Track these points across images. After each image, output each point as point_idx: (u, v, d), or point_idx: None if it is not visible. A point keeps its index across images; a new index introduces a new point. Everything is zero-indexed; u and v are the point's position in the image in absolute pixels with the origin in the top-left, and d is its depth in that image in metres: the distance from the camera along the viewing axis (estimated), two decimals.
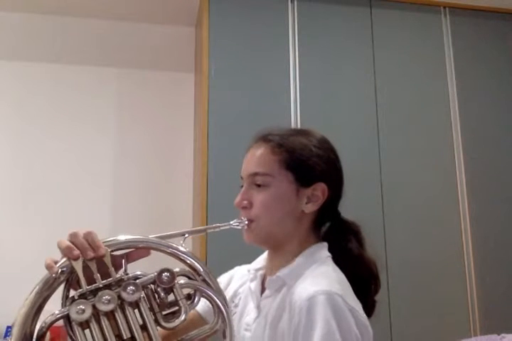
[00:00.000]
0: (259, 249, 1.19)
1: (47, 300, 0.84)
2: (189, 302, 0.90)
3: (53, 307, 0.85)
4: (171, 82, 3.29)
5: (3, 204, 2.92)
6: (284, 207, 1.10)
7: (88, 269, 0.85)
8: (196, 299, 0.91)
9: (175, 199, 3.13)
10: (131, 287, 0.84)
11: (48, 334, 0.84)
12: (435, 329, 2.57)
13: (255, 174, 1.11)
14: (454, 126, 2.84)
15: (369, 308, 1.10)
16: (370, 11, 2.90)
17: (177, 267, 0.92)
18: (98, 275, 0.85)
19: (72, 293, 0.85)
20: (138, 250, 0.94)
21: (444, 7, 3.00)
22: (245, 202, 1.11)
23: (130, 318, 0.84)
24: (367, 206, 2.63)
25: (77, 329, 0.81)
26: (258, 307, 1.11)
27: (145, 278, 0.88)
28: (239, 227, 1.09)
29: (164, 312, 0.88)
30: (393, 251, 2.59)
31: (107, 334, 0.82)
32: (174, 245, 0.94)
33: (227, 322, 0.92)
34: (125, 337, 0.83)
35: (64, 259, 0.86)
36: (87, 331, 0.82)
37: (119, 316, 0.83)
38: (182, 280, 0.91)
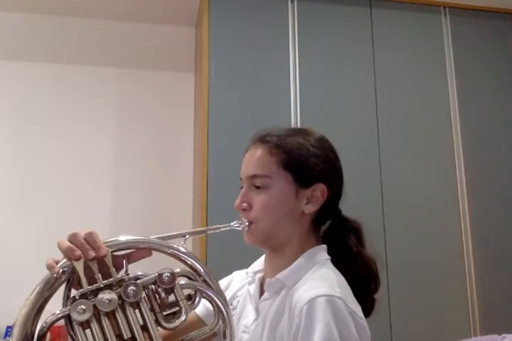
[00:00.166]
0: (259, 250, 1.18)
1: (48, 300, 0.84)
2: (190, 302, 0.90)
3: (54, 307, 0.86)
4: (171, 82, 3.29)
5: (3, 204, 2.92)
6: (284, 208, 1.09)
7: (89, 269, 0.85)
8: (197, 299, 0.91)
9: (175, 199, 3.13)
10: (132, 287, 0.84)
11: (48, 334, 0.84)
12: (435, 329, 2.57)
13: (254, 176, 1.11)
14: (454, 126, 2.84)
15: (369, 307, 1.10)
16: (370, 11, 2.90)
17: (177, 268, 0.92)
18: (99, 275, 0.85)
19: (73, 293, 0.85)
20: (139, 250, 0.94)
21: (444, 7, 3.00)
22: (245, 204, 1.11)
23: (131, 318, 0.84)
24: (367, 206, 2.63)
25: (77, 329, 0.81)
26: (257, 310, 1.11)
27: (146, 278, 0.88)
28: (239, 228, 1.09)
29: (165, 313, 0.88)
30: (393, 251, 2.58)
31: (107, 334, 0.82)
32: (175, 246, 0.94)
33: (228, 322, 0.92)
34: (126, 337, 0.83)
35: (65, 259, 0.86)
36: (87, 331, 0.82)
37: (119, 316, 0.83)
38: (182, 280, 0.91)
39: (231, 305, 1.20)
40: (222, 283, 1.30)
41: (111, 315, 0.83)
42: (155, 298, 0.88)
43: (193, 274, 0.93)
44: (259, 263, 1.23)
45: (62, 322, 0.84)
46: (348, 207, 1.19)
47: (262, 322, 1.07)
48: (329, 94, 2.75)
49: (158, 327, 0.86)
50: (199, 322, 1.21)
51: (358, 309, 0.99)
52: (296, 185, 1.10)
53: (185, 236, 1.00)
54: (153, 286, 0.88)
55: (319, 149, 1.12)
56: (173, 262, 0.96)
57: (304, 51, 2.76)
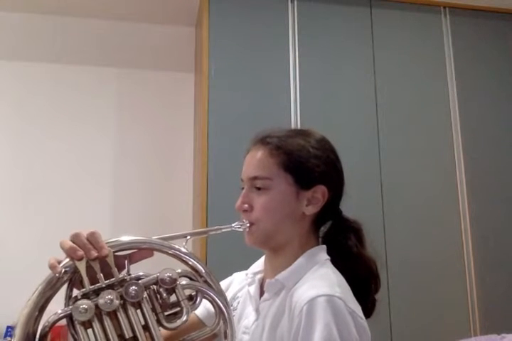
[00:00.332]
0: (259, 251, 1.19)
1: (50, 300, 0.84)
2: (191, 303, 0.90)
3: (55, 307, 0.86)
4: (171, 82, 3.29)
5: (3, 204, 2.92)
6: (285, 210, 1.09)
7: (91, 269, 0.86)
8: (198, 300, 0.91)
9: (175, 199, 3.13)
10: (133, 287, 0.84)
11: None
12: (435, 329, 2.57)
13: (255, 178, 1.11)
14: (454, 126, 2.85)
15: (369, 307, 1.10)
16: (370, 11, 2.90)
17: (179, 268, 0.92)
18: (101, 275, 0.85)
19: (75, 292, 0.86)
20: (140, 251, 0.94)
21: (444, 7, 3.00)
22: (246, 205, 1.11)
23: (132, 318, 0.84)
24: (367, 206, 2.63)
25: (79, 329, 0.81)
26: (257, 311, 1.11)
27: (147, 278, 0.88)
28: (240, 230, 1.09)
29: (166, 313, 0.89)
30: (393, 251, 2.59)
31: (109, 333, 0.82)
32: (176, 246, 0.95)
33: (228, 322, 0.92)
34: (127, 337, 0.83)
35: (67, 259, 0.86)
36: (89, 330, 0.82)
37: (121, 316, 0.83)
38: (184, 281, 0.91)
39: (231, 306, 1.19)
40: (223, 284, 1.29)
41: (113, 315, 0.83)
42: (156, 298, 0.88)
43: (194, 275, 0.93)
44: (259, 264, 1.23)
45: (61, 322, 0.84)
46: (348, 207, 1.19)
47: (262, 322, 1.07)
48: (329, 94, 2.75)
49: (160, 327, 0.86)
50: (199, 323, 1.22)
51: (358, 309, 0.99)
52: (296, 186, 1.10)
53: (186, 237, 1.00)
54: (154, 286, 0.89)
55: (320, 150, 1.12)
56: (174, 262, 0.97)
57: (304, 51, 2.76)
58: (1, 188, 2.94)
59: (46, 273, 0.86)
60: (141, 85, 3.25)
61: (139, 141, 3.17)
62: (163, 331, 0.88)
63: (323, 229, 1.17)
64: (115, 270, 0.87)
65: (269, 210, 1.09)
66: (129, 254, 0.93)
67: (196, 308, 0.92)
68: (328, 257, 1.11)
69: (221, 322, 0.92)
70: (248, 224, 1.10)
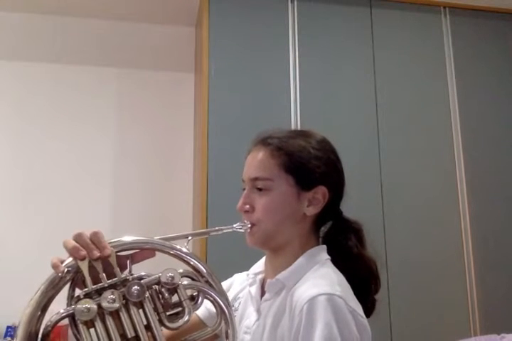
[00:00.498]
0: (259, 251, 1.19)
1: (52, 299, 0.84)
2: (193, 303, 0.91)
3: (56, 307, 0.86)
4: (171, 82, 3.29)
5: (3, 205, 2.92)
6: (285, 211, 1.10)
7: (93, 269, 0.86)
8: (200, 300, 0.92)
9: (175, 199, 3.13)
10: (135, 287, 0.85)
11: None
12: (435, 329, 2.58)
13: (256, 178, 1.11)
14: (454, 126, 2.85)
15: (369, 307, 1.10)
16: (370, 11, 2.90)
17: (180, 268, 0.93)
18: (103, 275, 0.86)
19: (77, 292, 0.86)
20: (142, 251, 0.94)
21: (444, 7, 3.00)
22: (247, 206, 1.11)
23: (135, 318, 0.84)
24: (367, 206, 2.63)
25: (82, 329, 0.81)
26: (258, 311, 1.11)
27: (149, 278, 0.88)
28: (241, 230, 1.09)
29: (168, 313, 0.89)
30: (393, 251, 2.59)
31: (111, 333, 0.82)
32: (178, 247, 0.95)
33: (230, 322, 0.92)
34: (129, 337, 0.83)
35: (70, 259, 0.86)
36: (91, 330, 0.82)
37: (123, 315, 0.84)
38: (185, 281, 0.91)
39: (232, 306, 1.20)
40: (223, 285, 1.29)
41: (115, 315, 0.84)
42: (158, 298, 0.88)
43: (195, 275, 0.94)
44: (260, 265, 1.24)
45: (61, 322, 0.84)
46: (348, 207, 1.19)
47: (263, 322, 1.07)
48: (329, 94, 2.75)
49: (162, 327, 0.87)
50: (201, 324, 1.22)
51: (358, 308, 0.99)
52: (297, 187, 1.10)
53: (187, 237, 1.00)
54: (156, 286, 0.89)
55: (320, 151, 1.13)
56: (175, 263, 0.97)
57: (304, 51, 2.76)
58: (1, 188, 2.94)
59: (46, 273, 0.86)
60: (141, 85, 3.25)
61: (139, 141, 3.17)
62: (164, 331, 0.88)
63: (323, 229, 1.17)
64: (117, 270, 0.87)
65: (270, 211, 1.09)
66: (131, 254, 0.94)
67: (198, 308, 0.93)
68: (328, 257, 1.11)
69: (222, 322, 0.92)
70: (249, 225, 1.10)
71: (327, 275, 1.04)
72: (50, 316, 0.84)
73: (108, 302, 0.82)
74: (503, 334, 1.78)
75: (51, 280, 0.84)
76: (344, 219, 1.18)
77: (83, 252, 0.86)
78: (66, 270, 0.85)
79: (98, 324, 0.82)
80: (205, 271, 0.94)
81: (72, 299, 0.85)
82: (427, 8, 2.98)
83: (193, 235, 1.02)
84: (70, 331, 0.84)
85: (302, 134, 1.17)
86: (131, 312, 0.84)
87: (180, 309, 0.90)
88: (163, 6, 3.14)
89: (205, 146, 2.54)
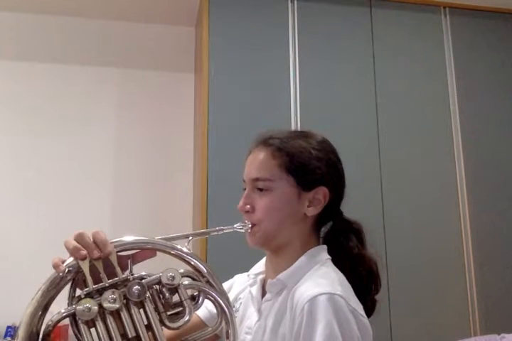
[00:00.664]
0: (259, 252, 1.19)
1: (53, 299, 0.84)
2: (193, 303, 0.91)
3: (56, 308, 0.86)
4: (171, 82, 3.29)
5: (4, 204, 2.92)
6: (286, 211, 1.10)
7: (94, 269, 0.86)
8: (200, 300, 0.92)
9: (175, 199, 3.13)
10: (136, 287, 0.85)
11: None
12: (435, 329, 2.58)
13: (256, 179, 1.11)
14: (454, 126, 2.85)
15: (369, 308, 1.10)
16: (370, 11, 2.90)
17: (181, 268, 0.93)
18: (105, 274, 0.86)
19: (78, 292, 0.86)
20: (143, 251, 0.95)
21: (444, 7, 3.00)
22: (248, 206, 1.12)
23: (135, 317, 0.84)
24: (367, 206, 2.63)
25: (82, 328, 0.82)
26: (259, 311, 1.11)
27: (150, 278, 0.88)
28: (242, 231, 1.10)
29: (169, 313, 0.89)
30: (393, 251, 2.59)
31: (112, 333, 0.82)
32: (179, 246, 0.95)
33: (231, 322, 0.93)
34: (130, 336, 0.83)
35: (71, 259, 0.87)
36: (92, 330, 0.83)
37: (124, 315, 0.84)
38: (186, 281, 0.91)
39: (233, 307, 1.20)
40: (224, 286, 1.29)
41: (116, 314, 0.84)
42: (159, 297, 0.89)
43: (196, 275, 0.94)
44: (260, 265, 1.24)
45: (60, 322, 0.84)
46: (348, 207, 1.19)
47: (264, 322, 1.07)
48: (329, 94, 2.75)
49: (162, 327, 0.87)
50: (201, 324, 1.21)
51: (359, 307, 0.99)
52: (298, 188, 1.10)
53: (188, 237, 1.01)
54: (157, 286, 0.89)
55: (321, 152, 1.13)
56: (176, 263, 0.97)
57: (304, 51, 2.76)
58: (1, 188, 2.94)
59: (46, 273, 0.86)
60: (141, 85, 3.25)
61: (139, 141, 3.17)
62: (165, 331, 0.88)
63: (324, 230, 1.18)
64: (118, 269, 0.87)
65: (271, 211, 1.09)
66: (132, 254, 0.94)
67: (199, 308, 0.93)
68: (329, 257, 1.11)
69: (223, 322, 0.93)
70: (250, 225, 1.10)
71: (328, 274, 1.04)
72: (50, 316, 0.84)
73: (109, 302, 0.83)
74: (503, 335, 1.77)
75: (52, 280, 0.84)
76: (344, 219, 1.18)
77: (84, 252, 0.86)
78: (67, 270, 0.85)
79: (99, 324, 0.82)
80: (205, 271, 0.95)
81: (73, 299, 0.85)
82: (427, 8, 2.98)
83: (193, 235, 1.02)
84: (69, 331, 0.84)
85: (303, 135, 1.17)
86: (132, 312, 0.84)
87: (180, 309, 0.90)
88: (163, 6, 3.14)
89: (205, 146, 2.54)
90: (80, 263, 0.85)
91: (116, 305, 0.83)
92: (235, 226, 1.09)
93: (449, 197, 2.76)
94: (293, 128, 2.59)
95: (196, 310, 0.92)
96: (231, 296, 1.23)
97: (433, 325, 2.59)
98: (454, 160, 2.80)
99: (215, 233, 1.06)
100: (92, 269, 0.86)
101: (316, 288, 0.96)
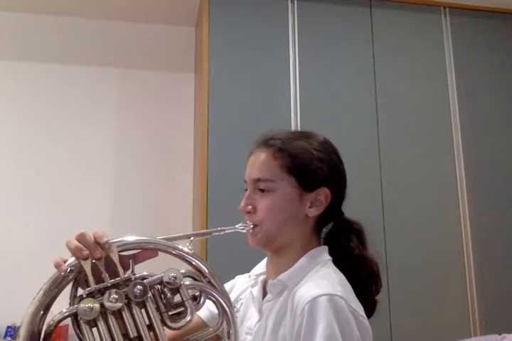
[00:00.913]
0: (259, 252, 1.19)
1: (54, 299, 0.85)
2: (195, 303, 0.91)
3: (57, 308, 0.86)
4: (171, 82, 3.29)
5: (4, 204, 2.92)
6: (288, 212, 1.10)
7: (96, 268, 0.86)
8: (202, 300, 0.92)
9: (175, 199, 3.13)
10: (138, 287, 0.85)
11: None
12: (435, 329, 2.58)
13: (258, 180, 1.11)
14: (454, 126, 2.85)
15: (370, 309, 1.11)
16: (370, 11, 2.90)
17: (183, 268, 0.93)
18: (106, 274, 0.86)
19: (79, 292, 0.86)
20: (145, 251, 0.95)
21: (444, 7, 3.01)
22: (249, 207, 1.12)
23: (137, 317, 0.84)
24: (367, 206, 2.63)
25: (84, 328, 0.82)
26: (260, 311, 1.11)
27: (152, 278, 0.89)
28: (244, 231, 1.10)
29: (170, 313, 0.89)
30: (393, 251, 2.59)
31: (114, 332, 0.83)
32: (180, 247, 0.95)
33: (232, 323, 0.93)
34: (132, 336, 0.83)
35: (73, 258, 0.87)
36: (94, 329, 0.83)
37: (126, 315, 0.84)
38: (188, 281, 0.92)
39: (234, 307, 1.20)
40: (226, 287, 1.30)
41: (117, 314, 0.84)
42: (161, 297, 0.89)
43: (198, 275, 0.94)
44: (261, 266, 1.24)
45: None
46: (348, 207, 1.19)
47: (264, 323, 1.07)
48: (329, 94, 2.75)
49: (164, 327, 0.87)
50: (203, 324, 1.22)
51: (359, 308, 0.99)
52: (300, 188, 1.10)
53: (190, 237, 1.01)
54: (159, 286, 0.89)
55: (323, 153, 1.13)
56: (177, 263, 0.97)
57: (304, 51, 2.76)
58: (1, 188, 2.94)
59: (46, 273, 0.87)
60: (141, 85, 3.25)
61: (139, 141, 3.17)
62: (167, 331, 0.88)
63: (324, 230, 1.18)
64: (120, 269, 0.87)
65: (272, 212, 1.09)
66: (134, 254, 0.94)
67: (200, 308, 0.93)
68: (329, 257, 1.11)
69: (224, 322, 0.93)
70: (251, 226, 1.10)
71: (328, 275, 1.04)
72: (52, 316, 0.84)
73: (111, 301, 0.83)
74: (504, 335, 1.78)
75: (54, 279, 0.84)
76: (346, 220, 1.18)
77: (86, 252, 0.86)
78: (69, 269, 0.85)
79: (100, 323, 0.82)
80: (207, 271, 0.95)
81: (74, 298, 0.85)
82: (427, 8, 2.98)
83: (195, 235, 1.03)
84: (69, 331, 0.85)
85: (304, 135, 1.17)
86: (134, 311, 0.85)
87: (182, 309, 0.90)
88: (163, 6, 3.14)
89: (205, 146, 2.54)
90: (82, 262, 0.85)
91: (118, 305, 0.83)
92: (237, 226, 1.09)
93: (449, 197, 2.76)
94: (293, 128, 2.59)
95: (198, 310, 0.92)
96: (232, 297, 1.23)
97: (433, 325, 2.59)
98: (454, 160, 2.80)
99: (217, 233, 1.06)
100: (94, 269, 0.86)
101: (316, 289, 0.97)
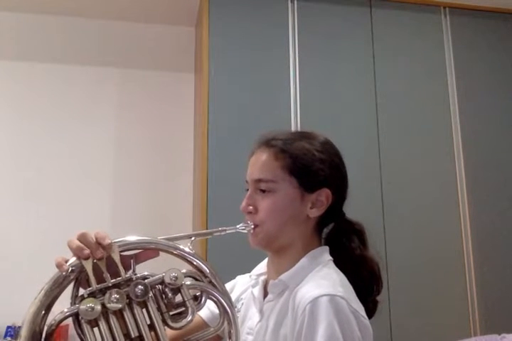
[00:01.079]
0: (259, 251, 1.18)
1: (56, 298, 0.85)
2: (196, 303, 0.91)
3: (57, 308, 0.86)
4: (171, 82, 3.29)
5: (4, 204, 2.92)
6: (289, 212, 1.10)
7: (97, 268, 0.86)
8: (203, 300, 0.92)
9: (175, 199, 3.13)
10: (139, 287, 0.85)
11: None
12: (435, 329, 2.58)
13: (259, 180, 1.11)
14: (454, 126, 2.85)
15: (371, 309, 1.11)
16: (370, 11, 2.90)
17: (184, 268, 0.93)
18: (108, 274, 0.86)
19: (81, 292, 0.86)
20: (146, 251, 0.95)
21: (444, 7, 3.01)
22: (250, 207, 1.12)
23: (138, 317, 0.84)
24: (367, 206, 2.63)
25: (85, 328, 0.82)
26: (261, 312, 1.11)
27: (153, 278, 0.89)
28: (245, 231, 1.10)
29: (171, 313, 0.89)
30: (393, 251, 2.59)
31: (115, 332, 0.82)
32: (181, 247, 0.95)
33: (233, 322, 0.93)
34: (133, 336, 0.83)
35: (74, 258, 0.87)
36: (95, 329, 0.83)
37: (127, 315, 0.84)
38: (189, 281, 0.92)
39: (235, 307, 1.20)
40: (227, 286, 1.29)
41: (119, 314, 0.84)
42: (162, 297, 0.89)
43: (199, 275, 0.94)
44: (262, 266, 1.24)
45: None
46: (348, 207, 1.19)
47: (265, 323, 1.07)
48: (329, 94, 2.75)
49: (165, 327, 0.87)
50: (204, 324, 1.22)
51: (360, 308, 0.99)
52: (301, 189, 1.10)
53: (191, 237, 1.01)
54: (160, 286, 0.89)
55: (324, 154, 1.13)
56: (178, 263, 0.97)
57: (304, 51, 2.76)
58: (1, 188, 2.94)
59: (46, 273, 0.87)
60: (141, 85, 3.25)
61: (139, 141, 3.17)
62: (168, 331, 0.88)
63: (325, 231, 1.18)
64: (121, 269, 0.87)
65: (273, 212, 1.09)
66: (135, 254, 0.94)
67: (201, 308, 0.93)
68: (330, 258, 1.11)
69: (225, 322, 0.93)
70: (252, 226, 1.10)
71: (329, 276, 1.04)
72: (53, 316, 0.84)
73: (112, 301, 0.83)
74: (503, 335, 1.78)
75: (55, 279, 0.84)
76: (347, 220, 1.18)
77: (87, 251, 0.86)
78: (70, 269, 0.85)
79: (102, 323, 0.82)
80: (208, 271, 0.95)
81: (76, 298, 0.85)
82: (427, 8, 2.98)
83: (196, 235, 1.02)
84: (70, 331, 0.85)
85: (306, 136, 1.17)
86: (135, 311, 0.85)
87: (183, 309, 0.90)
88: (163, 6, 3.14)
89: (205, 146, 2.54)
90: (83, 262, 0.85)
91: (119, 305, 0.83)
92: (238, 226, 1.09)
93: (449, 197, 2.76)
94: (293, 128, 2.59)
95: (199, 310, 0.92)
96: (233, 297, 1.23)
97: (433, 325, 2.59)
98: (454, 160, 2.80)
99: (218, 233, 1.06)
100: (95, 269, 0.86)
101: (317, 289, 0.97)
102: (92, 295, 0.84)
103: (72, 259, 0.87)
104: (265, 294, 1.14)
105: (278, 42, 2.76)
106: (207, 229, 2.36)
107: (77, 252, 0.86)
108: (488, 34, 3.05)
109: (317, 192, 1.11)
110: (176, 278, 0.88)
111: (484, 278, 2.69)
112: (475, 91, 2.94)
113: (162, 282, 0.88)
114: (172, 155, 3.20)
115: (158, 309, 0.87)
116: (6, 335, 2.62)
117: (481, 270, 2.70)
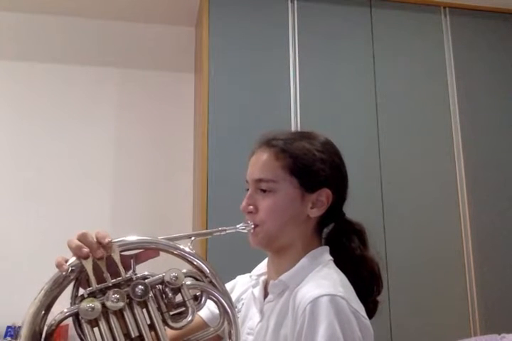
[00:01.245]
0: (259, 251, 1.18)
1: (56, 298, 0.84)
2: (196, 303, 0.91)
3: (57, 308, 0.86)
4: (171, 82, 3.29)
5: (4, 204, 2.92)
6: (289, 212, 1.10)
7: (98, 268, 0.86)
8: (203, 300, 0.92)
9: (175, 199, 3.13)
10: (140, 286, 0.85)
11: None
12: (435, 329, 2.58)
13: (260, 180, 1.11)
14: (454, 126, 2.85)
15: (371, 309, 1.11)
16: (370, 11, 2.90)
17: (184, 268, 0.93)
18: (108, 274, 0.86)
19: (81, 291, 0.86)
20: (147, 251, 0.94)
21: (444, 7, 3.01)
22: (251, 207, 1.12)
23: (138, 317, 0.84)
24: (367, 206, 2.63)
25: (85, 328, 0.81)
26: (261, 312, 1.11)
27: (153, 278, 0.88)
28: (245, 231, 1.10)
29: (172, 313, 0.89)
30: (393, 252, 2.59)
31: (115, 332, 0.82)
32: (181, 247, 0.95)
33: (233, 323, 0.92)
34: (133, 336, 0.83)
35: (74, 258, 0.86)
36: (95, 329, 0.82)
37: (127, 315, 0.84)
38: (189, 281, 0.91)
39: (235, 308, 1.20)
40: (227, 287, 1.29)
41: (119, 314, 0.84)
42: (162, 297, 0.89)
43: (199, 275, 0.94)
44: (262, 266, 1.24)
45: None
46: (348, 207, 1.19)
47: (266, 323, 1.07)
48: (329, 94, 2.75)
49: (165, 327, 0.87)
50: (204, 325, 1.21)
51: (361, 308, 0.99)
52: (301, 189, 1.10)
53: (191, 237, 1.00)
54: (160, 286, 0.89)
55: (325, 154, 1.13)
56: (179, 263, 0.97)
57: (304, 51, 2.76)
58: (1, 188, 2.94)
59: (46, 273, 0.86)
60: (141, 85, 3.25)
61: (139, 141, 3.17)
62: (168, 331, 0.88)
63: (325, 231, 1.18)
64: (122, 269, 0.87)
65: (274, 212, 1.09)
66: (135, 254, 0.94)
67: (201, 308, 0.93)
68: (331, 258, 1.11)
69: (225, 322, 0.92)
70: (253, 226, 1.10)
71: (330, 276, 1.04)
72: (53, 316, 0.84)
73: (112, 301, 0.83)
74: (503, 334, 1.78)
75: (55, 279, 0.84)
76: (347, 220, 1.18)
77: (86, 250, 0.85)
78: (70, 269, 0.85)
79: (102, 323, 0.82)
80: (208, 271, 0.94)
81: (76, 298, 0.85)
82: (427, 8, 2.98)
83: (196, 235, 1.02)
84: (70, 331, 0.85)
85: (306, 136, 1.17)
86: (135, 311, 0.84)
87: (183, 309, 0.90)
88: (163, 6, 3.14)
89: (205, 146, 2.54)
90: (83, 262, 0.85)
91: (120, 305, 0.83)
92: (238, 226, 1.08)
93: (449, 197, 2.76)
94: (293, 128, 2.59)
95: (199, 310, 0.92)
96: (233, 297, 1.23)
97: (433, 325, 2.59)
98: (454, 160, 2.80)
99: (218, 233, 1.05)
100: (96, 269, 0.85)
101: (317, 290, 0.97)
102: (92, 295, 0.84)
103: (72, 259, 0.86)
104: (265, 294, 1.14)
105: (278, 42, 2.76)
106: (207, 229, 2.36)
107: (76, 251, 0.86)
108: (488, 34, 3.05)
109: (317, 192, 1.11)
110: (176, 278, 0.88)
111: (484, 278, 2.69)
112: (475, 91, 2.94)
113: (162, 282, 0.88)
114: (172, 155, 3.20)
115: (159, 309, 0.87)
116: (6, 335, 2.62)
117: (481, 270, 2.70)
